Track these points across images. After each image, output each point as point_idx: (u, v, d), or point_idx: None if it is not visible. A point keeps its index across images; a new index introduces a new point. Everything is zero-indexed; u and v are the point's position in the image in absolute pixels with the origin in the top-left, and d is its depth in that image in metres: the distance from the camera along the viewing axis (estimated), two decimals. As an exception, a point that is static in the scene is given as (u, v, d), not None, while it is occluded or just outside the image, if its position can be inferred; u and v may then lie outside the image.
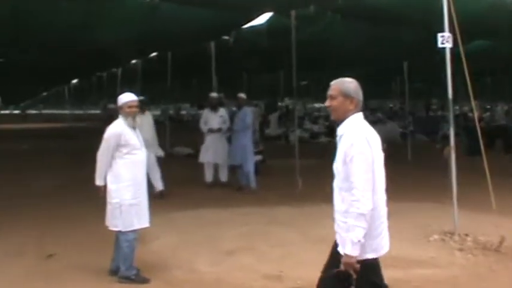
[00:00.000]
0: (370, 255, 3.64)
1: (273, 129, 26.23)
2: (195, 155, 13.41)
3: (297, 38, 11.20)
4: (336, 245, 3.72)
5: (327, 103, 3.80)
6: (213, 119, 12.13)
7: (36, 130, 38.36)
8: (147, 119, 10.74)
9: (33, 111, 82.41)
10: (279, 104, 34.97)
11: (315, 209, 9.44)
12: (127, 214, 5.96)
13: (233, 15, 12.07)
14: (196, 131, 13.36)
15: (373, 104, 43.36)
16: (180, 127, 30.08)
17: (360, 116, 3.75)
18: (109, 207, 6.06)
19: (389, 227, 3.84)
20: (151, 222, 6.27)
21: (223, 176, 12.27)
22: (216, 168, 12.30)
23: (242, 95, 12.20)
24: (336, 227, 3.72)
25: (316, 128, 26.40)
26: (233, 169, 12.24)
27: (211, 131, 12.06)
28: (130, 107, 6.13)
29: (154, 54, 19.09)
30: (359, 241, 3.48)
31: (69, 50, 17.03)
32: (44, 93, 54.81)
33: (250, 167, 11.66)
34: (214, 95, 12.59)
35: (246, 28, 13.58)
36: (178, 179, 12.07)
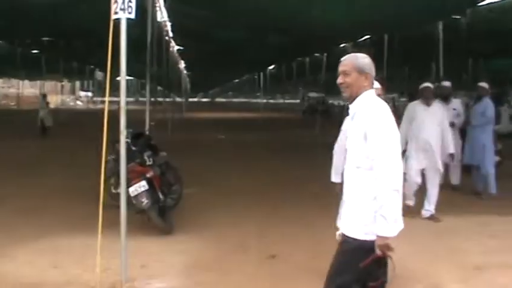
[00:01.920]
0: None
1: (504, 126, 25.19)
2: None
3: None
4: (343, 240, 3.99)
5: (340, 80, 4.01)
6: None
7: (229, 120, 40.27)
8: (433, 111, 9.70)
9: (222, 100, 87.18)
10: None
11: None
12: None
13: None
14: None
15: None
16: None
17: (373, 92, 3.99)
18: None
19: None
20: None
21: (455, 178, 12.12)
22: (445, 168, 12.12)
23: (484, 85, 11.85)
24: (344, 211, 4.08)
25: (558, 126, 24.84)
26: (467, 170, 12.02)
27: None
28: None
29: (366, 37, 19.27)
30: (395, 220, 3.71)
31: (276, 32, 17.77)
32: (236, 81, 57.83)
33: (490, 169, 11.36)
34: (446, 84, 12.27)
35: (483, 5, 13.25)
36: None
